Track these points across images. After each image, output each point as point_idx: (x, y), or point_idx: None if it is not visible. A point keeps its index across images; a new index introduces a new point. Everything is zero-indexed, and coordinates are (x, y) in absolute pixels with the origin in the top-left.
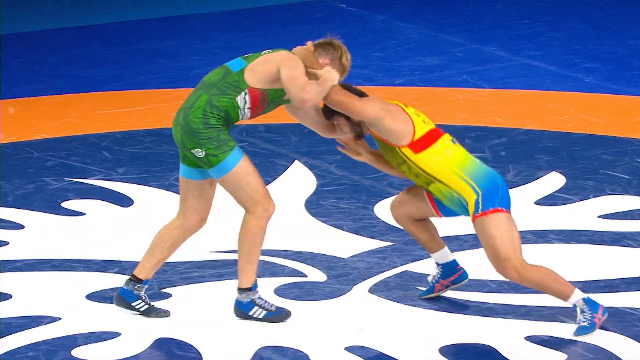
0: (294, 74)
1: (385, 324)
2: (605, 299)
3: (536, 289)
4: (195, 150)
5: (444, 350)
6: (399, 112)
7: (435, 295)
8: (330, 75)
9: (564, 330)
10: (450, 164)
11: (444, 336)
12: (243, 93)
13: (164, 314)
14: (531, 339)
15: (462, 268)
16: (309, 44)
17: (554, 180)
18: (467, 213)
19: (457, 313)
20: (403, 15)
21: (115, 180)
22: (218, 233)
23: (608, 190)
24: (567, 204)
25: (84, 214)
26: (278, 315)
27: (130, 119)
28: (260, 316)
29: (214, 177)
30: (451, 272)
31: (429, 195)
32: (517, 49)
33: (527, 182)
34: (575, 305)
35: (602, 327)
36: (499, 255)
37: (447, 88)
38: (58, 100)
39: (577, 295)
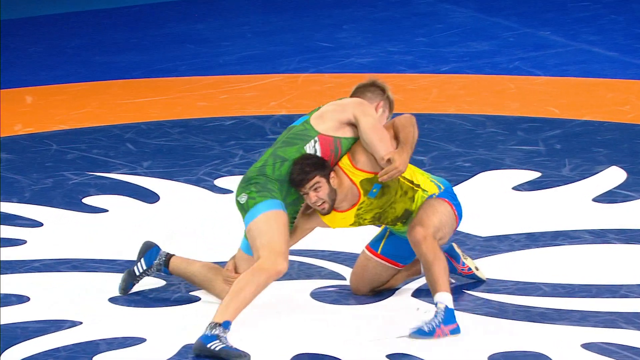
0: (375, 124)
1: None
2: None
3: (423, 265)
4: (240, 196)
5: (492, 359)
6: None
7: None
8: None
9: (624, 337)
10: (417, 171)
11: (492, 343)
12: (312, 141)
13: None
14: (588, 347)
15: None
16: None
17: (613, 176)
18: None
19: (506, 318)
20: None
21: (140, 175)
22: None
23: None
24: (628, 201)
25: (107, 210)
26: (235, 352)
27: (155, 108)
28: (217, 349)
29: (245, 225)
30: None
31: (382, 257)
32: (574, 33)
33: (585, 178)
34: (436, 305)
35: None
36: (424, 218)
37: (498, 76)
38: (78, 88)
39: (445, 299)
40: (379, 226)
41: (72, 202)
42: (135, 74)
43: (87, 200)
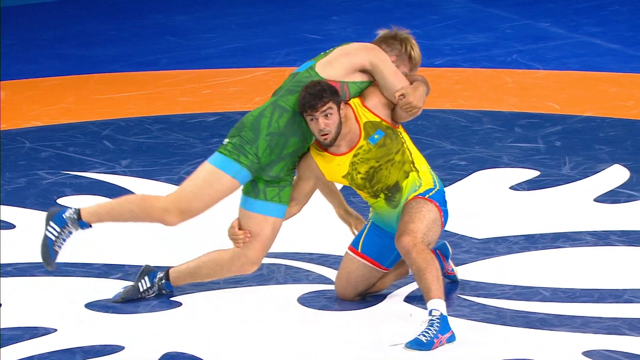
0: (395, 70)
1: None
2: None
3: (415, 272)
4: (226, 139)
5: None
6: None
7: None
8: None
9: (628, 344)
10: (418, 153)
11: (489, 351)
12: None
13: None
14: (590, 354)
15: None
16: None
17: (616, 175)
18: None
19: (504, 325)
20: None
21: (118, 174)
22: None
23: None
24: (632, 201)
25: None
26: (47, 256)
27: (134, 104)
28: (47, 236)
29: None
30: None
31: (364, 256)
32: (575, 24)
33: (586, 177)
34: (430, 312)
35: None
36: (411, 225)
37: (495, 69)
38: (53, 83)
39: (439, 306)
40: (366, 223)
41: (47, 202)
42: (113, 67)
43: (62, 201)
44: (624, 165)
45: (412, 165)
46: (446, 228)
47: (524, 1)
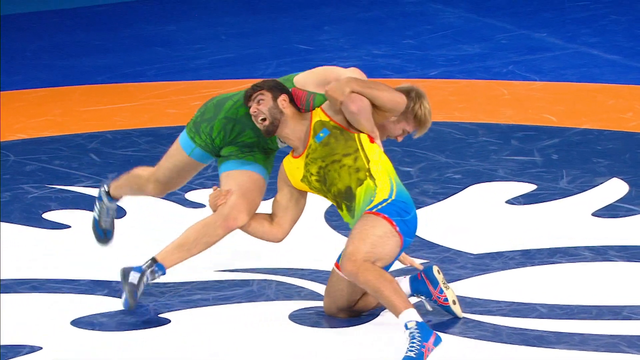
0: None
1: None
2: None
3: (372, 293)
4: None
5: None
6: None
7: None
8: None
9: None
10: (386, 164)
11: None
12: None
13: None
14: None
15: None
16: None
17: (614, 188)
18: None
19: (500, 342)
20: None
21: None
22: (224, 250)
23: None
24: (630, 215)
25: (69, 226)
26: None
27: (121, 116)
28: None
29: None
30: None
31: (339, 266)
32: (572, 35)
33: (584, 190)
34: (406, 326)
35: None
36: (350, 248)
37: (490, 81)
38: (38, 94)
39: (411, 315)
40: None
41: (32, 217)
42: (99, 78)
43: (47, 216)
44: (622, 179)
45: (367, 172)
46: (441, 243)
47: (520, 11)
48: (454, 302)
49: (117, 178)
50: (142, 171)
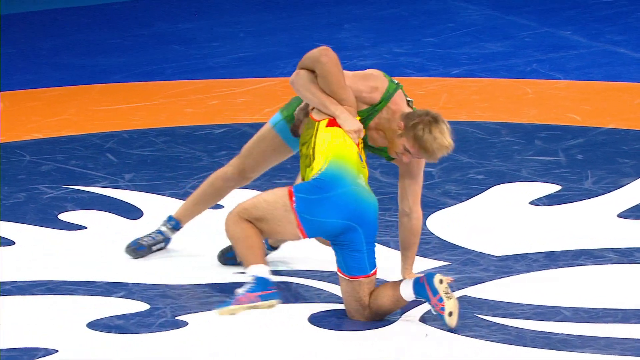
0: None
1: (439, 359)
2: None
3: (233, 245)
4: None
5: None
6: None
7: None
8: (346, 118)
9: None
10: (336, 148)
11: None
12: None
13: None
14: None
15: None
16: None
17: None
18: None
19: (524, 346)
20: None
21: (122, 188)
22: None
23: None
24: None
25: (85, 227)
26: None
27: (138, 115)
28: (145, 242)
29: None
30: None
31: (338, 269)
32: (597, 32)
33: (609, 191)
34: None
35: None
36: (238, 205)
37: (514, 79)
38: (54, 93)
39: (256, 270)
40: None
41: (47, 218)
42: (116, 77)
43: (63, 216)
44: None
45: (311, 159)
46: (463, 244)
47: (544, 8)
48: (450, 314)
49: (183, 206)
50: (214, 176)
